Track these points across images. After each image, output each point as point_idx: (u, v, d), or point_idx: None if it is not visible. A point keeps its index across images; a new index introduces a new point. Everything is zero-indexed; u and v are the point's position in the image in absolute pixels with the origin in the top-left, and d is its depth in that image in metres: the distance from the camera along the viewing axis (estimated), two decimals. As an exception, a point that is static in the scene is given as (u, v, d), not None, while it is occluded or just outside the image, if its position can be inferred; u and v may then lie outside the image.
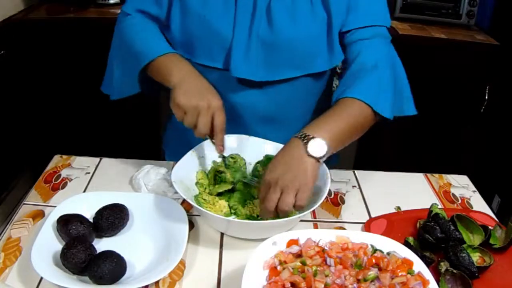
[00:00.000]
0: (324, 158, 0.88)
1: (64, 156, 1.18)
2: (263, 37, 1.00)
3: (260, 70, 1.02)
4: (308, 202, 0.88)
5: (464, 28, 2.27)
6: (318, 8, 1.01)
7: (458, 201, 1.12)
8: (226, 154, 1.03)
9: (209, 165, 1.05)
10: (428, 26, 2.26)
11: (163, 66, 0.98)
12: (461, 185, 1.17)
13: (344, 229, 0.99)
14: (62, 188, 1.06)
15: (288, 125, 1.11)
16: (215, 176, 1.03)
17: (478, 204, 1.11)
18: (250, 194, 1.01)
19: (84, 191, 1.05)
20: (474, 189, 1.16)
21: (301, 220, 0.99)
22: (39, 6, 2.20)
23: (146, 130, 2.24)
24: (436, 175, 1.21)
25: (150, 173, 1.05)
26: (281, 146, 1.06)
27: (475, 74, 2.16)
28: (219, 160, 1.03)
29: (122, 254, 0.83)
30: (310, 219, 1.02)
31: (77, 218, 0.87)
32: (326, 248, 0.78)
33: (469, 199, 1.12)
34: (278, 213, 0.88)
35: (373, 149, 2.30)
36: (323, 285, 0.71)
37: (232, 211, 0.98)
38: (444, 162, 2.32)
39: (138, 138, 2.24)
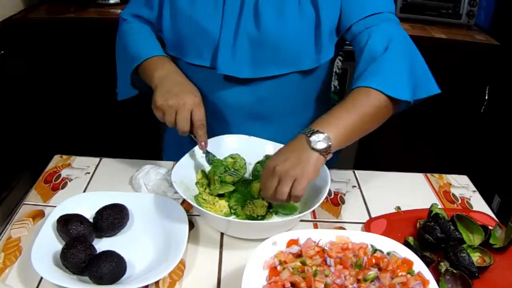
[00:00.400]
0: (330, 153, 0.86)
1: (64, 156, 1.18)
2: (250, 34, 1.01)
3: (247, 67, 1.03)
4: (305, 195, 0.86)
5: (464, 28, 2.27)
6: (306, 5, 1.01)
7: (458, 201, 1.12)
8: (227, 153, 1.03)
9: (209, 165, 1.05)
10: (428, 26, 2.25)
11: (147, 69, 1.01)
12: (461, 185, 1.17)
13: (344, 229, 0.99)
14: (62, 188, 1.06)
15: (275, 122, 1.12)
16: (215, 176, 1.03)
17: (478, 204, 1.11)
18: (250, 194, 1.01)
19: (84, 191, 1.05)
20: (474, 189, 1.16)
21: (301, 220, 0.99)
22: (39, 6, 2.20)
23: (146, 130, 2.24)
24: (436, 175, 1.21)
25: (150, 173, 1.05)
26: (281, 146, 1.06)
27: (475, 74, 2.16)
28: (217, 157, 1.03)
29: (122, 254, 0.83)
30: (310, 219, 1.02)
31: (77, 218, 0.87)
32: (326, 248, 0.78)
33: (469, 199, 1.12)
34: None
35: (373, 149, 2.30)
36: (323, 285, 0.71)
37: (232, 211, 0.98)
38: (444, 162, 2.32)
39: (138, 138, 2.24)
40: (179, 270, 0.86)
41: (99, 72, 2.05)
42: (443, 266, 0.85)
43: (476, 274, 0.83)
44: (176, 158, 1.01)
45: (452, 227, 0.91)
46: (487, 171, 2.24)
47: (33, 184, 1.08)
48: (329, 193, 1.09)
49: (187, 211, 0.94)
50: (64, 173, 1.12)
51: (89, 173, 1.12)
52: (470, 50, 2.14)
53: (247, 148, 1.07)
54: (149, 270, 0.83)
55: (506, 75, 2.15)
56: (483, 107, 2.20)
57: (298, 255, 0.78)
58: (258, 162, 1.07)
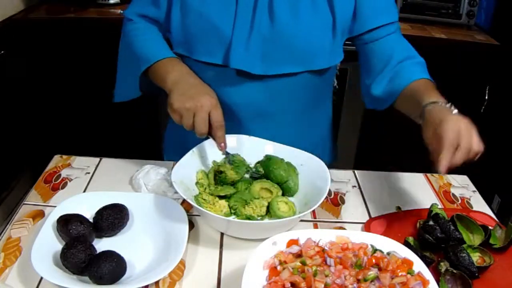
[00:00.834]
0: None
1: (64, 156, 1.18)
2: (264, 32, 1.01)
3: (260, 63, 1.03)
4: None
5: (464, 28, 2.27)
6: (321, 6, 1.02)
7: (458, 201, 1.12)
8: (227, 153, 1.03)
9: (209, 165, 1.05)
10: (428, 26, 2.25)
11: (159, 71, 1.01)
12: (461, 185, 1.17)
13: (344, 229, 0.99)
14: (62, 188, 1.06)
15: (282, 120, 1.12)
16: (215, 176, 1.03)
17: (478, 204, 1.11)
18: (250, 194, 1.01)
19: (84, 191, 1.05)
20: (474, 189, 1.16)
21: (301, 220, 0.99)
22: (39, 6, 2.20)
23: (146, 130, 2.24)
24: (436, 175, 1.21)
25: (150, 173, 1.05)
26: (281, 146, 1.06)
27: (475, 74, 2.16)
28: (219, 159, 1.03)
29: (122, 254, 0.83)
30: (310, 219, 1.02)
31: (77, 218, 0.87)
32: (326, 248, 0.78)
33: (469, 199, 1.12)
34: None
35: (373, 149, 2.30)
36: (323, 285, 0.71)
37: (232, 211, 0.98)
38: (444, 162, 2.32)
39: (138, 138, 2.24)
40: (179, 270, 0.86)
41: (99, 72, 2.05)
42: (443, 266, 0.85)
43: (476, 274, 0.83)
44: (177, 157, 1.01)
45: (452, 227, 0.91)
46: (487, 171, 2.24)
47: (33, 184, 1.08)
48: (329, 193, 1.09)
49: (187, 211, 0.94)
50: (64, 173, 1.12)
51: (89, 173, 1.12)
52: (470, 50, 2.14)
53: (247, 148, 1.07)
54: (149, 270, 0.83)
55: (506, 75, 2.15)
56: (483, 107, 2.20)
57: (298, 255, 0.78)
58: (258, 162, 1.07)
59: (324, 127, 1.26)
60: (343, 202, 1.08)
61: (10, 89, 2.02)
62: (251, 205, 0.98)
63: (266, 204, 0.99)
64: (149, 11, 1.10)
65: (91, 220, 0.91)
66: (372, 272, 0.73)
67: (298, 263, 0.75)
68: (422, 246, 0.90)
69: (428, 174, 1.21)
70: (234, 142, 1.07)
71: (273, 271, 0.74)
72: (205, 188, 1.00)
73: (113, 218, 0.90)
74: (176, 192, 0.97)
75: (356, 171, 1.19)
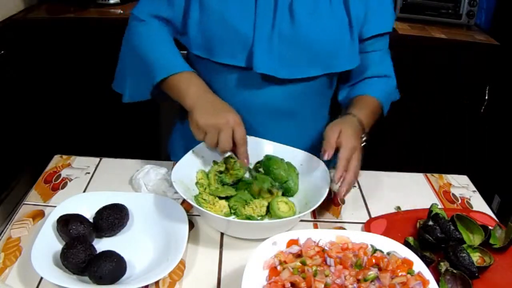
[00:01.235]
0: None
1: (64, 156, 1.18)
2: (286, 34, 1.01)
3: (283, 67, 1.03)
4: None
5: (464, 28, 2.27)
6: (338, 9, 1.03)
7: (458, 201, 1.12)
8: (227, 153, 1.03)
9: (209, 165, 1.05)
10: (428, 26, 2.25)
11: (177, 86, 1.00)
12: (461, 185, 1.17)
13: (344, 229, 0.99)
14: (62, 188, 1.06)
15: (298, 119, 1.13)
16: (215, 176, 1.03)
17: (478, 204, 1.11)
18: (250, 194, 1.01)
19: (84, 191, 1.05)
20: (474, 189, 1.16)
21: (301, 220, 0.99)
22: (39, 6, 2.20)
23: (146, 130, 2.24)
24: (436, 175, 1.21)
25: (150, 173, 1.05)
26: (281, 146, 1.06)
27: (475, 74, 2.16)
28: (219, 159, 1.03)
29: (122, 254, 0.83)
30: (310, 219, 1.02)
31: (77, 218, 0.87)
32: (326, 248, 0.78)
33: (469, 199, 1.12)
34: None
35: (373, 149, 2.30)
36: (323, 285, 0.71)
37: (232, 211, 0.98)
38: (444, 162, 2.32)
39: (138, 138, 2.23)
40: (179, 270, 0.86)
41: (99, 72, 2.05)
42: (443, 266, 0.85)
43: (476, 274, 0.83)
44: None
45: (452, 227, 0.91)
46: (487, 171, 2.24)
47: (33, 184, 1.08)
48: (329, 193, 1.09)
49: (187, 211, 0.94)
50: (64, 173, 1.12)
51: (89, 173, 1.12)
52: (470, 50, 2.14)
53: (247, 148, 1.06)
54: (149, 270, 0.83)
55: (506, 75, 2.14)
56: (483, 107, 2.20)
57: (298, 255, 0.78)
58: (258, 162, 1.06)
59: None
60: (343, 202, 1.07)
61: (10, 89, 2.02)
62: (251, 205, 0.98)
63: (266, 204, 0.99)
64: (163, 11, 1.07)
65: (91, 220, 0.91)
66: (372, 272, 0.73)
67: (298, 263, 0.75)
68: (422, 246, 0.90)
69: (428, 174, 1.21)
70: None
71: (273, 271, 0.74)
72: (205, 188, 1.00)
73: (113, 218, 0.90)
74: (176, 192, 0.97)
75: (356, 171, 1.19)
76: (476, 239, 0.92)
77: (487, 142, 2.30)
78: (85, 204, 0.94)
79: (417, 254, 0.79)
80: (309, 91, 1.10)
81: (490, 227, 0.94)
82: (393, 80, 1.15)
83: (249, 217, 0.96)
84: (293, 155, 1.06)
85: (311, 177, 1.01)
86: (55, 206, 0.93)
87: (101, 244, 0.89)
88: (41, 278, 0.81)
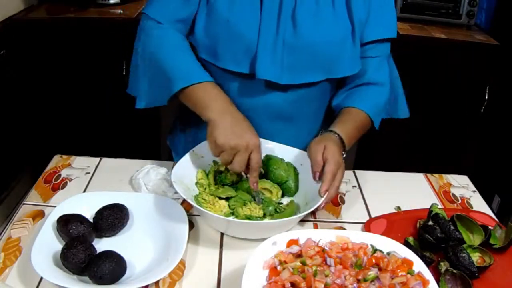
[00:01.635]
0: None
1: (64, 156, 1.18)
2: (288, 41, 1.01)
3: (285, 72, 1.03)
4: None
5: (464, 28, 2.27)
6: (341, 14, 1.03)
7: (458, 201, 1.12)
8: None
9: (209, 165, 1.05)
10: (428, 26, 2.25)
11: (199, 97, 0.97)
12: (461, 185, 1.17)
13: (344, 229, 0.99)
14: (62, 188, 1.06)
15: (299, 122, 1.14)
16: (215, 176, 1.03)
17: (478, 204, 1.11)
18: (250, 194, 1.01)
19: (84, 191, 1.05)
20: (474, 189, 1.16)
21: (301, 220, 0.99)
22: (39, 6, 2.20)
23: (146, 130, 2.24)
24: (436, 175, 1.21)
25: (150, 173, 1.05)
26: (281, 146, 1.07)
27: (475, 74, 2.16)
28: (219, 159, 1.03)
29: (122, 254, 0.83)
30: (310, 219, 1.02)
31: (77, 218, 0.87)
32: (326, 248, 0.78)
33: (469, 199, 1.12)
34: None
35: (373, 149, 2.30)
36: (323, 285, 0.71)
37: (231, 211, 0.98)
38: (444, 162, 2.32)
39: (138, 138, 2.24)
40: (179, 270, 0.86)
41: (99, 72, 2.06)
42: (443, 266, 0.85)
43: (476, 274, 0.83)
44: None
45: (452, 227, 0.91)
46: (487, 171, 2.24)
47: (33, 184, 1.08)
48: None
49: (187, 211, 0.94)
50: (64, 173, 1.12)
51: (89, 173, 1.12)
52: (470, 50, 2.14)
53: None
54: (149, 270, 0.83)
55: (506, 75, 2.15)
56: (483, 107, 2.20)
57: (298, 255, 0.78)
58: None
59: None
60: (343, 202, 1.08)
61: (10, 89, 2.02)
62: (248, 206, 0.98)
63: (258, 208, 0.99)
64: (179, 11, 1.03)
65: (91, 220, 0.91)
66: (372, 272, 0.73)
67: (298, 263, 0.75)
68: (422, 246, 0.90)
69: (428, 174, 1.21)
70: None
71: (273, 271, 0.74)
72: (205, 188, 1.01)
73: (113, 218, 0.90)
74: (176, 192, 0.97)
75: (356, 171, 1.19)
76: (476, 239, 0.92)
77: (487, 142, 2.30)
78: (85, 204, 0.94)
79: (417, 254, 0.79)
80: (309, 96, 1.10)
81: (490, 227, 0.94)
82: (386, 89, 1.13)
83: (248, 217, 0.97)
84: (293, 155, 1.06)
85: (311, 177, 1.01)
86: (55, 206, 0.93)
87: (101, 244, 0.89)
88: (41, 278, 0.81)
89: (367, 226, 0.98)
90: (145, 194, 1.00)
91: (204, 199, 0.97)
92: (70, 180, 1.09)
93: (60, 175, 1.11)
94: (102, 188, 1.05)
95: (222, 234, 0.95)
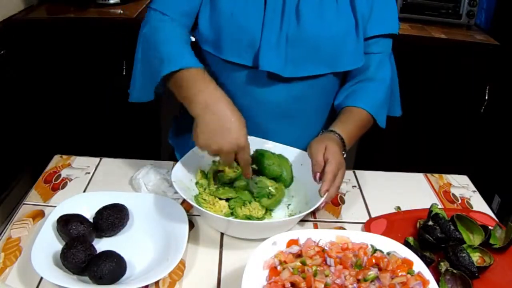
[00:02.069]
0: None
1: (64, 156, 1.18)
2: (292, 34, 1.02)
3: (289, 66, 1.03)
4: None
5: (464, 28, 2.27)
6: (345, 9, 1.04)
7: (458, 201, 1.12)
8: None
9: (209, 165, 1.05)
10: (428, 26, 2.25)
11: (186, 84, 0.91)
12: (461, 185, 1.17)
13: (344, 229, 0.99)
14: (62, 188, 1.06)
15: (303, 119, 1.14)
16: (214, 175, 1.03)
17: (478, 204, 1.11)
18: (250, 194, 1.01)
19: (84, 191, 1.05)
20: (474, 189, 1.16)
21: (301, 220, 0.99)
22: (39, 6, 2.20)
23: (146, 130, 2.24)
24: (436, 175, 1.21)
25: (150, 173, 1.05)
26: (281, 145, 1.07)
27: (475, 74, 2.16)
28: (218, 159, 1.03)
29: (122, 254, 0.83)
30: (310, 219, 1.02)
31: (77, 218, 0.87)
32: (326, 248, 0.78)
33: (469, 199, 1.12)
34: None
35: (373, 149, 2.30)
36: (323, 285, 0.71)
37: (230, 211, 0.98)
38: (444, 162, 2.32)
39: (138, 138, 2.24)
40: (179, 270, 0.86)
41: (99, 72, 2.06)
42: (443, 266, 0.85)
43: (476, 274, 0.83)
44: (186, 151, 1.01)
45: (452, 227, 0.91)
46: (487, 171, 2.24)
47: (33, 184, 1.08)
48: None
49: (187, 211, 0.94)
50: (64, 173, 1.12)
51: (89, 173, 1.12)
52: (470, 50, 2.14)
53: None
54: (149, 270, 0.83)
55: (506, 75, 2.14)
56: (483, 107, 2.20)
57: (298, 255, 0.78)
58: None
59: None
60: (343, 202, 1.08)
61: (10, 89, 2.02)
62: (248, 206, 0.98)
63: (263, 207, 0.99)
64: (186, 5, 1.03)
65: (91, 220, 0.91)
66: (372, 272, 0.73)
67: (298, 263, 0.75)
68: (422, 246, 0.90)
69: (428, 174, 1.21)
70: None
71: (273, 271, 0.74)
72: (205, 188, 1.01)
73: (113, 218, 0.90)
74: (176, 192, 0.97)
75: (356, 171, 1.19)
76: (476, 239, 0.92)
77: (487, 142, 2.30)
78: (85, 204, 0.94)
79: (417, 254, 0.79)
80: (312, 92, 1.10)
81: (490, 227, 0.94)
82: (387, 86, 1.13)
83: (248, 217, 0.96)
84: (294, 155, 1.06)
85: (311, 177, 1.01)
86: (55, 206, 0.93)
87: (101, 244, 0.89)
88: (41, 278, 0.81)
89: (367, 226, 0.98)
90: (145, 194, 1.00)
91: (204, 199, 0.97)
92: (70, 180, 1.09)
93: (60, 175, 1.11)
94: (102, 188, 1.05)
95: (222, 234, 0.95)
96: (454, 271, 0.83)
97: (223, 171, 1.01)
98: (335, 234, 0.81)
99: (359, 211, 1.05)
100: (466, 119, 2.24)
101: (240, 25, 1.01)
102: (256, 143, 1.07)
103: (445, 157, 2.34)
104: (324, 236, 0.80)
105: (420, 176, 1.20)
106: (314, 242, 0.79)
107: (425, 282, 0.73)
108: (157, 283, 0.82)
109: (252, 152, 1.06)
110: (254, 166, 1.05)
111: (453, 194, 1.14)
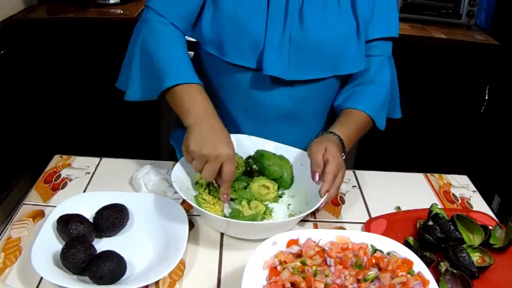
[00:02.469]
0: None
1: (64, 156, 1.18)
2: (295, 37, 1.02)
3: (292, 69, 1.03)
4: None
5: (464, 28, 2.27)
6: (346, 12, 1.04)
7: (458, 201, 1.12)
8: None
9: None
10: (428, 26, 2.25)
11: (180, 99, 0.96)
12: (461, 185, 1.17)
13: (344, 229, 0.99)
14: (62, 188, 1.06)
15: (304, 121, 1.14)
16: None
17: (478, 204, 1.11)
18: (250, 193, 1.01)
19: (84, 191, 1.05)
20: (474, 189, 1.16)
21: (301, 220, 0.99)
22: (39, 6, 2.20)
23: (146, 130, 2.24)
24: (436, 175, 1.21)
25: (150, 173, 1.05)
26: (281, 145, 1.07)
27: (475, 74, 2.16)
28: None
29: (122, 254, 0.83)
30: (310, 219, 1.02)
31: (77, 218, 0.87)
32: (326, 248, 0.78)
33: (469, 199, 1.12)
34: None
35: (373, 149, 2.30)
36: (323, 285, 0.71)
37: (232, 213, 0.98)
38: (444, 162, 2.32)
39: (138, 138, 2.24)
40: (179, 270, 0.86)
41: (99, 72, 2.05)
42: (443, 266, 0.85)
43: (476, 274, 0.83)
44: None
45: (452, 227, 0.91)
46: (487, 171, 2.24)
47: (33, 184, 1.08)
48: (329, 193, 1.09)
49: (187, 211, 0.94)
50: (64, 173, 1.12)
51: (89, 173, 1.12)
52: (470, 50, 2.14)
53: (247, 148, 1.07)
54: (149, 270, 0.83)
55: (506, 75, 2.15)
56: (483, 107, 2.20)
57: (298, 255, 0.78)
58: (249, 157, 1.06)
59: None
60: (343, 202, 1.08)
61: (10, 89, 2.02)
62: (245, 207, 0.98)
63: (261, 205, 0.99)
64: (185, 8, 1.03)
65: (91, 220, 0.91)
66: (372, 272, 0.73)
67: (298, 263, 0.75)
68: (422, 246, 0.90)
69: (428, 174, 1.21)
70: (233, 141, 1.06)
71: (273, 271, 0.74)
72: (205, 188, 1.00)
73: (113, 218, 0.90)
74: (176, 192, 0.97)
75: (356, 171, 1.19)
76: (476, 239, 0.92)
77: (487, 142, 2.30)
78: (85, 204, 0.94)
79: (417, 254, 0.79)
80: (315, 94, 1.10)
81: (490, 227, 0.94)
82: (387, 88, 1.14)
83: (253, 216, 0.96)
84: (294, 155, 1.06)
85: (311, 177, 1.01)
86: (55, 206, 0.93)
87: (101, 244, 0.89)
88: (41, 278, 0.81)
89: (367, 226, 0.98)
90: (145, 194, 1.00)
91: (204, 199, 0.97)
92: (70, 180, 1.09)
93: (60, 175, 1.11)
94: (102, 188, 1.05)
95: (222, 234, 0.95)
96: (454, 271, 0.83)
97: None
98: (335, 234, 0.81)
99: (359, 211, 1.05)
100: (466, 119, 2.24)
101: (243, 26, 1.00)
102: (256, 143, 1.07)
103: (445, 157, 2.34)
104: (324, 236, 0.80)
105: (420, 176, 1.20)
106: (314, 242, 0.79)
107: (425, 282, 0.73)
108: (157, 283, 0.82)
109: (252, 153, 1.06)
110: (254, 166, 1.05)
111: (453, 194, 1.14)
